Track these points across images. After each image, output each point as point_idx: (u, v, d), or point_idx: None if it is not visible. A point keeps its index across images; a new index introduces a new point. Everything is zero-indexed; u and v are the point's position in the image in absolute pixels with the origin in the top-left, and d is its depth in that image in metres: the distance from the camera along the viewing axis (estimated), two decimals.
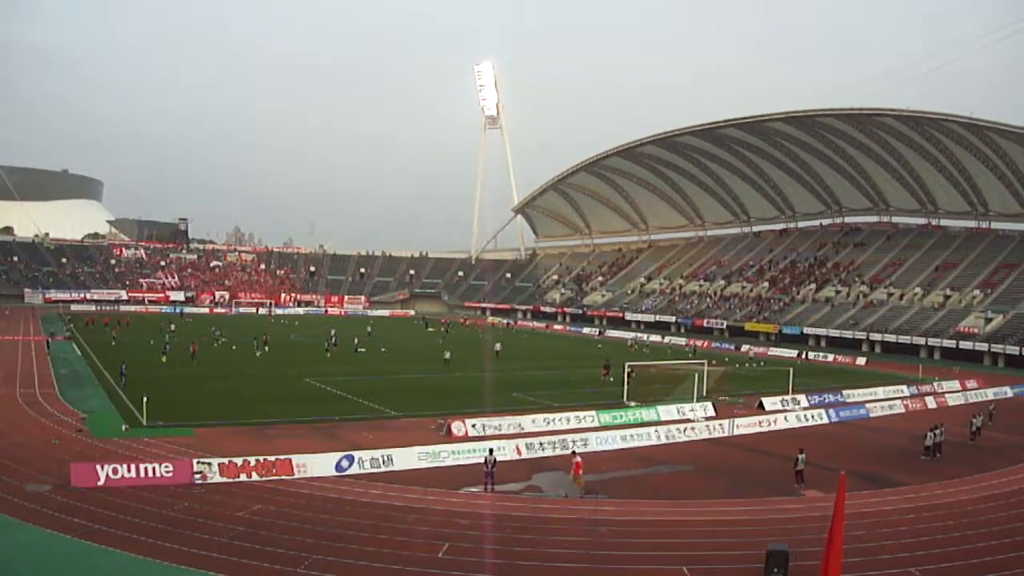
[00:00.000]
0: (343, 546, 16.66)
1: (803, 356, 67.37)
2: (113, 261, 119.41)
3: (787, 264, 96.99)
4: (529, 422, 30.52)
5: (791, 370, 43.38)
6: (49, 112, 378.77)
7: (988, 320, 68.72)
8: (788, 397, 39.18)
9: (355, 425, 30.17)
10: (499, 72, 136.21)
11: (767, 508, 21.24)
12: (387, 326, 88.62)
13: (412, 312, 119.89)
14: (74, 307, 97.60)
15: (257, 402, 34.45)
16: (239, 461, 21.77)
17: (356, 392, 37.84)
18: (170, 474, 20.98)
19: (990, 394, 45.26)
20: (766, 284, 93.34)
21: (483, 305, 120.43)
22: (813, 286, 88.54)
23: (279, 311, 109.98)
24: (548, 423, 30.74)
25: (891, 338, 71.71)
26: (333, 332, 64.15)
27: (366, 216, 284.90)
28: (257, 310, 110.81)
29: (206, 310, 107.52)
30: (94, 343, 56.90)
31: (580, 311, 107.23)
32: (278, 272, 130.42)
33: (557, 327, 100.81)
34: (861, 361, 65.50)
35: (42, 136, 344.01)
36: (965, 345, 66.34)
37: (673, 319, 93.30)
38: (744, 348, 73.45)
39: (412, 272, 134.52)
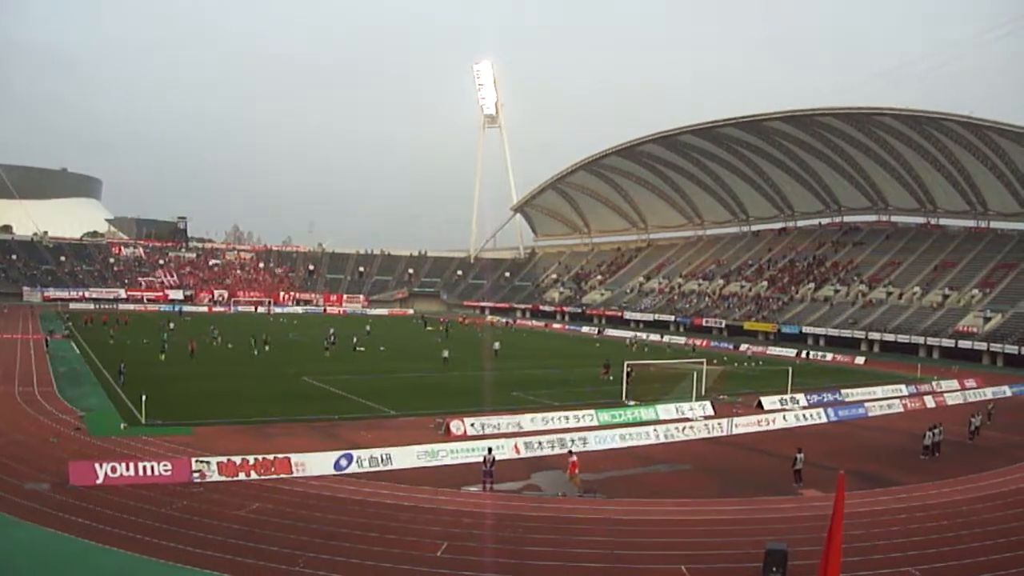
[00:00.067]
0: (341, 545, 16.66)
1: (806, 356, 67.38)
2: (112, 260, 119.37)
3: (786, 263, 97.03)
4: (528, 421, 30.52)
5: (790, 369, 43.40)
6: (48, 111, 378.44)
7: (987, 319, 68.79)
8: (787, 396, 39.20)
9: (354, 424, 30.17)
10: (498, 71, 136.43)
11: (766, 507, 21.25)
12: (386, 325, 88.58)
13: (411, 311, 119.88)
14: (73, 305, 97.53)
15: (256, 401, 34.43)
16: (238, 460, 21.77)
17: (355, 391, 37.83)
18: (169, 473, 20.98)
19: (989, 393, 45.28)
20: (765, 283, 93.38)
21: (482, 304, 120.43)
22: (812, 285, 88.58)
23: (278, 310, 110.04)
24: (547, 422, 30.73)
25: (890, 337, 71.77)
26: (332, 331, 64.12)
27: (366, 216, 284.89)
28: (256, 309, 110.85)
29: (205, 309, 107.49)
30: (93, 341, 56.86)
31: (579, 310, 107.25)
32: (277, 271, 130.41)
33: (556, 326, 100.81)
34: (860, 360, 65.53)
35: (41, 135, 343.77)
36: (964, 344, 66.40)
37: (672, 318, 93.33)
38: (743, 347, 73.48)
39: (411, 271, 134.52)
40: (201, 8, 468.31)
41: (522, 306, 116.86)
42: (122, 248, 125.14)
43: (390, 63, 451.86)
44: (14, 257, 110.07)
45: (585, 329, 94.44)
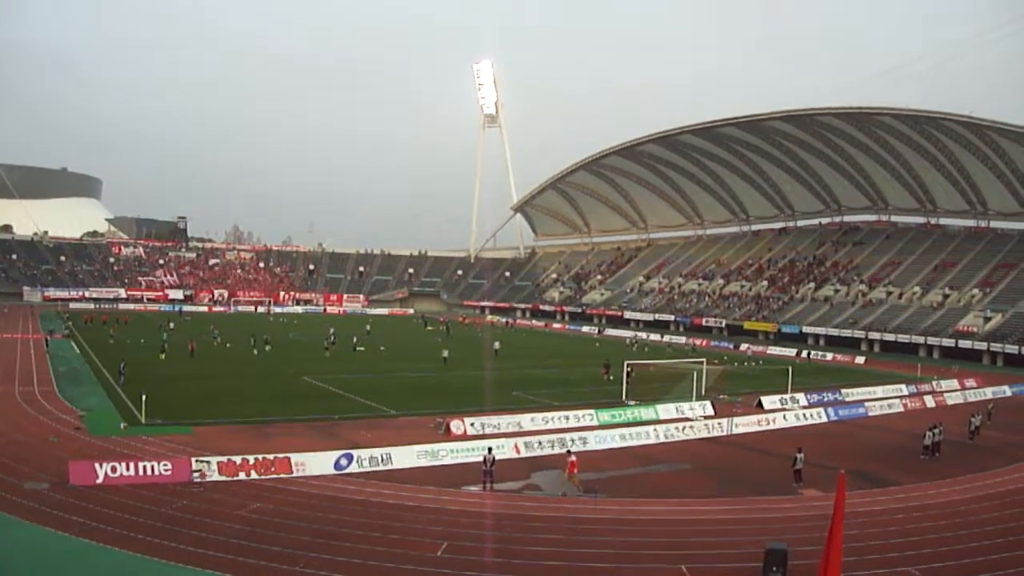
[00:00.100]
0: (342, 544, 16.66)
1: (807, 355, 67.36)
2: (112, 259, 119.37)
3: (786, 263, 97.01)
4: (528, 421, 30.52)
5: (790, 369, 43.41)
6: (48, 111, 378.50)
7: (987, 319, 68.79)
8: (787, 396, 39.21)
9: (354, 424, 30.16)
10: (498, 71, 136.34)
11: (766, 507, 21.25)
12: (386, 325, 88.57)
13: (411, 311, 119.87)
14: (73, 305, 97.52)
15: (256, 401, 34.42)
16: (238, 459, 21.76)
17: (355, 391, 37.82)
18: (169, 472, 20.97)
19: (989, 393, 45.28)
20: (765, 283, 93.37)
21: (482, 304, 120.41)
22: (812, 285, 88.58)
23: (278, 309, 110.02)
24: (547, 422, 30.72)
25: (890, 337, 71.78)
26: (332, 331, 64.12)
27: (366, 216, 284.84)
28: (256, 308, 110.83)
29: (205, 308, 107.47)
30: (93, 341, 56.85)
31: (579, 310, 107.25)
32: (277, 271, 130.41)
33: (556, 326, 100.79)
34: (860, 360, 65.53)
35: (41, 135, 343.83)
36: (964, 344, 66.40)
37: (672, 318, 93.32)
38: (743, 347, 73.50)
39: (411, 271, 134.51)
40: (201, 8, 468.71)
41: (522, 306, 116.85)
42: (122, 248, 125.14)
43: (390, 63, 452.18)
44: (14, 257, 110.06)
45: (585, 329, 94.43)
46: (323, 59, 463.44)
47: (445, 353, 52.44)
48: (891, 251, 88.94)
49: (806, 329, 78.60)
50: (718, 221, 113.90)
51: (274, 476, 21.76)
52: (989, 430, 33.64)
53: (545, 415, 31.42)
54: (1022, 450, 30.09)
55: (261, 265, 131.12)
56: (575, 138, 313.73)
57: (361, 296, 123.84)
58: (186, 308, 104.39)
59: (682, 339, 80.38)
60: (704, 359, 45.38)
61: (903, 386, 44.99)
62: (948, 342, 67.71)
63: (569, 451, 24.11)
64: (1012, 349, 62.63)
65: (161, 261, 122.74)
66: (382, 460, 23.45)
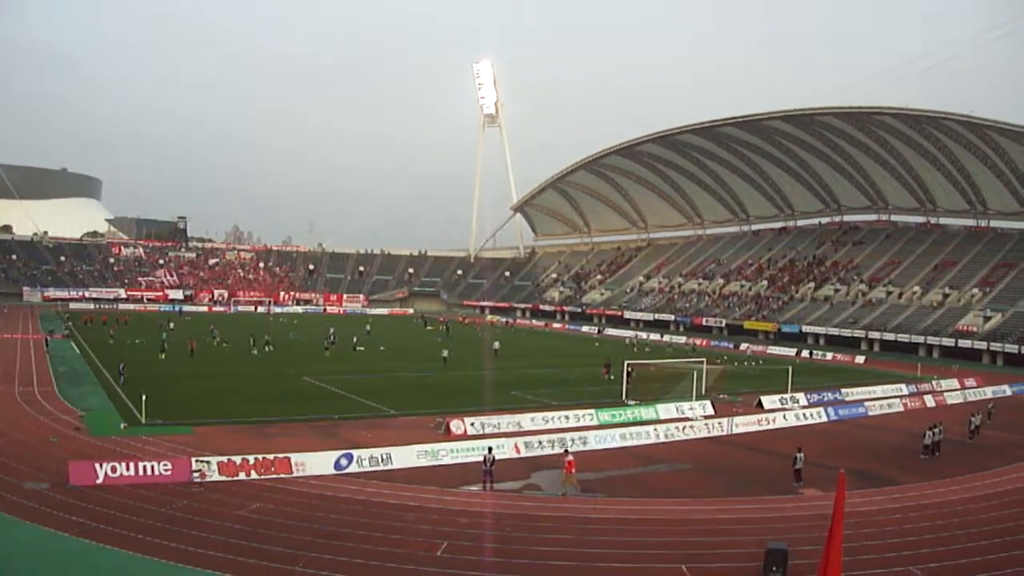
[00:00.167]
0: (342, 544, 16.66)
1: (808, 355, 67.38)
2: (112, 259, 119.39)
3: (786, 263, 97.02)
4: (528, 420, 30.51)
5: (790, 369, 43.41)
6: (48, 111, 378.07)
7: (987, 318, 68.79)
8: (787, 396, 39.21)
9: (354, 424, 30.16)
10: (498, 71, 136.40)
11: (766, 506, 21.26)
12: (386, 324, 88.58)
13: (411, 311, 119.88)
14: (73, 305, 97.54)
15: (256, 401, 34.43)
16: (238, 459, 21.76)
17: (355, 391, 37.82)
18: (169, 472, 20.97)
19: (989, 392, 45.26)
20: (765, 282, 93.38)
21: (482, 303, 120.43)
22: (812, 284, 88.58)
23: (278, 309, 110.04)
24: (547, 421, 30.72)
25: (890, 336, 71.79)
26: (332, 330, 64.10)
27: (366, 216, 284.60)
28: (256, 308, 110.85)
29: (205, 308, 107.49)
30: (93, 341, 56.86)
31: (579, 309, 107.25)
32: (277, 271, 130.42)
33: (556, 325, 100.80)
34: (860, 359, 65.51)
35: (41, 135, 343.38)
36: (964, 343, 66.40)
37: (672, 318, 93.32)
38: (743, 347, 73.51)
39: (411, 271, 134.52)
40: (201, 8, 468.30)
41: (522, 305, 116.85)
42: (122, 248, 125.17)
43: (390, 63, 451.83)
44: (14, 257, 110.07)
45: (585, 329, 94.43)
46: (323, 59, 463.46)
47: (445, 353, 52.44)
48: (891, 251, 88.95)
49: (806, 329, 78.59)
50: (718, 221, 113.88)
51: (274, 476, 21.76)
52: (989, 429, 33.64)
53: (545, 415, 31.41)
54: (1022, 449, 30.09)
55: (261, 265, 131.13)
56: (575, 138, 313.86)
57: (361, 296, 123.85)
58: (186, 308, 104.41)
59: (682, 339, 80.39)
60: (704, 359, 45.40)
61: (903, 386, 44.99)
62: (948, 342, 67.71)
63: (566, 450, 24.09)
64: (1012, 348, 62.62)
65: (161, 261, 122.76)
66: (382, 460, 23.45)
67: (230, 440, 26.03)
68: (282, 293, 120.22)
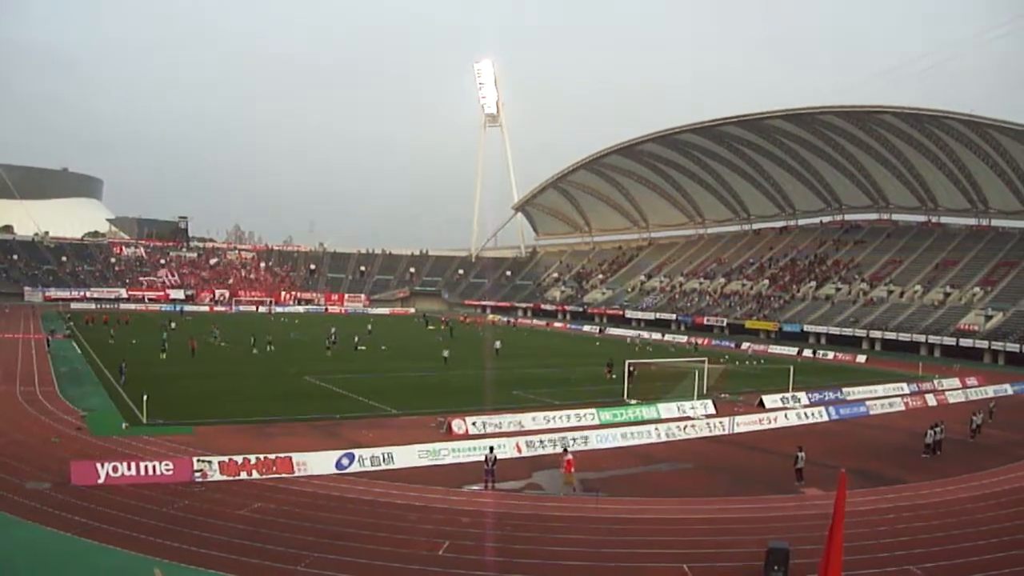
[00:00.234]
0: (343, 544, 16.67)
1: (811, 354, 67.34)
2: (113, 259, 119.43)
3: (787, 262, 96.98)
4: (529, 420, 30.50)
5: (791, 368, 43.41)
6: (49, 111, 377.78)
7: (988, 318, 68.73)
8: (788, 395, 39.19)
9: (355, 423, 30.17)
10: (499, 70, 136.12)
11: (767, 506, 21.25)
12: (387, 324, 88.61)
13: (412, 310, 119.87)
14: (74, 305, 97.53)
15: (257, 400, 34.45)
16: (239, 459, 21.78)
17: (356, 390, 37.83)
18: (170, 472, 20.99)
19: (990, 392, 45.22)
20: (766, 282, 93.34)
21: (483, 303, 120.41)
22: (813, 284, 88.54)
23: (279, 309, 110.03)
24: (548, 421, 30.71)
25: (891, 336, 71.76)
26: (333, 330, 64.10)
27: (366, 215, 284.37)
28: (257, 308, 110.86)
29: (206, 308, 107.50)
30: (94, 341, 56.89)
31: (580, 309, 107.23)
32: (278, 270, 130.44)
33: (557, 325, 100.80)
34: (861, 359, 65.49)
35: (42, 135, 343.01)
36: (965, 343, 66.35)
37: (673, 317, 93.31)
38: (744, 346, 73.50)
39: (412, 270, 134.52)
40: (201, 8, 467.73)
41: (523, 305, 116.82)
42: (123, 248, 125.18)
43: (390, 63, 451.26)
44: (15, 257, 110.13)
45: (586, 328, 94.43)
46: (323, 59, 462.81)
47: (446, 352, 52.44)
48: (892, 250, 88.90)
49: (807, 328, 78.56)
50: (719, 220, 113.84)
51: (276, 476, 21.77)
52: (990, 428, 33.62)
53: (546, 414, 31.42)
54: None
55: (262, 265, 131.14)
56: (575, 138, 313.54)
57: (362, 296, 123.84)
58: (187, 308, 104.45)
59: (683, 338, 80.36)
60: (705, 358, 45.40)
61: (904, 385, 44.98)
62: (949, 341, 67.67)
63: (566, 449, 24.05)
64: (1013, 347, 62.58)
65: (162, 261, 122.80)
66: (383, 460, 23.45)
67: (231, 440, 26.04)
68: (283, 293, 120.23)
